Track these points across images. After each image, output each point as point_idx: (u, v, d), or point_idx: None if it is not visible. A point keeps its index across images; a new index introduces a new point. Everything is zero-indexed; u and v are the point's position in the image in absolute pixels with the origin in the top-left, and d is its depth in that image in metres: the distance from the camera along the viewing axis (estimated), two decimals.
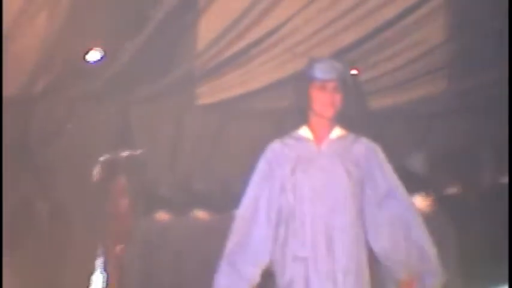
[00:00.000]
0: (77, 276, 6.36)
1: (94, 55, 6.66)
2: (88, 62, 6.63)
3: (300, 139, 4.23)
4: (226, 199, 7.78)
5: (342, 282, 4.01)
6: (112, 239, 6.60)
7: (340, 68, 4.16)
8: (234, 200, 7.70)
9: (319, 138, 4.19)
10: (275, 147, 4.25)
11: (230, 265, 4.12)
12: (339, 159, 4.13)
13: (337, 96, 4.09)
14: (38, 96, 6.59)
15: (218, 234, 7.34)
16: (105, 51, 6.67)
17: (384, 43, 7.82)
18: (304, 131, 4.24)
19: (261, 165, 4.24)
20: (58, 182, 6.59)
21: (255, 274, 4.12)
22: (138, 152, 6.88)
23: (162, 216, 7.60)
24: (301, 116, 4.22)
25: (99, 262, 6.45)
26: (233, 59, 7.55)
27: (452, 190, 7.93)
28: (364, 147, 4.20)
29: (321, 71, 4.12)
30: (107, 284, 6.41)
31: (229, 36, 7.31)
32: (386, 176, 4.19)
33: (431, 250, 4.15)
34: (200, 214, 7.72)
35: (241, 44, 7.42)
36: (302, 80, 4.19)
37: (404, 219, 4.14)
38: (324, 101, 4.09)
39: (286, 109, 7.89)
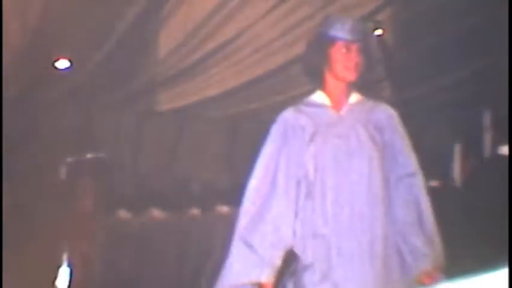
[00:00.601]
0: (45, 269, 6.58)
1: (63, 63, 6.89)
2: (57, 69, 6.85)
3: (316, 105, 3.74)
4: (182, 199, 8.15)
5: (367, 261, 3.56)
6: (77, 236, 6.83)
7: (364, 28, 3.77)
8: (190, 201, 8.12)
9: (337, 103, 3.73)
10: (288, 116, 3.74)
11: (247, 246, 3.59)
12: (362, 125, 3.68)
13: (361, 59, 3.66)
14: (8, 101, 6.76)
15: (173, 232, 7.78)
16: (73, 60, 6.89)
17: None
18: (319, 97, 3.76)
19: (274, 136, 3.73)
20: (27, 182, 6.78)
21: (276, 256, 3.60)
22: (102, 154, 7.07)
23: (123, 214, 7.95)
24: (315, 80, 3.76)
25: (65, 257, 6.67)
26: (193, 66, 7.75)
27: None
28: (386, 113, 3.76)
29: (346, 31, 3.66)
30: (73, 277, 6.66)
31: (189, 44, 7.52)
32: (406, 149, 3.74)
33: (437, 239, 3.68)
34: (156, 213, 8.07)
35: (201, 52, 7.61)
36: (320, 40, 3.72)
37: (417, 201, 3.68)
38: (348, 64, 3.65)
39: (242, 115, 8.22)
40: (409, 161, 3.71)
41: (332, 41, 3.68)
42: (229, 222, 7.88)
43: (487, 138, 8.62)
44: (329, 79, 3.72)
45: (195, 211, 8.17)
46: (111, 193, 7.53)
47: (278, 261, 3.59)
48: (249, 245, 3.59)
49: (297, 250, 3.62)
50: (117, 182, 7.79)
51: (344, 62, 3.65)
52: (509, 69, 6.13)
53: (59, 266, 6.60)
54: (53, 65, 6.84)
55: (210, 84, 8.08)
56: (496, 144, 8.04)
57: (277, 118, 3.75)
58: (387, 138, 3.70)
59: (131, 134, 8.10)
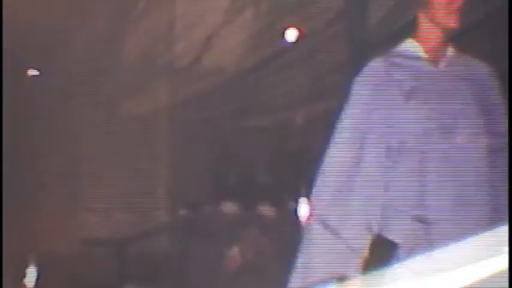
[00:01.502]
0: (13, 269, 6.67)
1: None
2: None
3: (410, 57, 3.14)
4: (146, 204, 8.20)
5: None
6: (43, 236, 6.92)
7: None
8: (154, 205, 8.12)
9: (433, 55, 3.15)
10: (378, 67, 3.11)
11: (329, 231, 2.93)
12: (465, 84, 3.12)
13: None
14: None
15: (139, 235, 7.82)
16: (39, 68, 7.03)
17: (293, 60, 8.14)
18: (412, 46, 3.17)
19: (360, 93, 3.10)
20: None
21: (363, 244, 2.96)
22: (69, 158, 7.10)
23: (89, 216, 7.99)
24: (407, 26, 3.19)
25: (32, 257, 6.75)
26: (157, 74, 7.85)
27: None
28: (486, 70, 3.22)
29: None
30: (39, 276, 6.75)
31: (154, 51, 7.62)
32: (503, 117, 3.16)
33: None
34: (120, 216, 8.10)
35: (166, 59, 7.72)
36: None
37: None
38: (451, 7, 3.06)
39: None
40: (502, 131, 3.16)
41: None
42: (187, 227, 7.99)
43: None
44: (424, 26, 3.14)
45: (159, 214, 8.24)
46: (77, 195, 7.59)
47: (365, 250, 2.97)
48: (331, 230, 2.95)
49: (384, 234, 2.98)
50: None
51: (446, 4, 3.07)
52: (509, 67, 6.22)
53: (26, 266, 6.68)
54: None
55: (171, 92, 8.13)
56: None
57: (363, 70, 3.14)
58: (488, 101, 3.17)
59: (96, 140, 8.14)
